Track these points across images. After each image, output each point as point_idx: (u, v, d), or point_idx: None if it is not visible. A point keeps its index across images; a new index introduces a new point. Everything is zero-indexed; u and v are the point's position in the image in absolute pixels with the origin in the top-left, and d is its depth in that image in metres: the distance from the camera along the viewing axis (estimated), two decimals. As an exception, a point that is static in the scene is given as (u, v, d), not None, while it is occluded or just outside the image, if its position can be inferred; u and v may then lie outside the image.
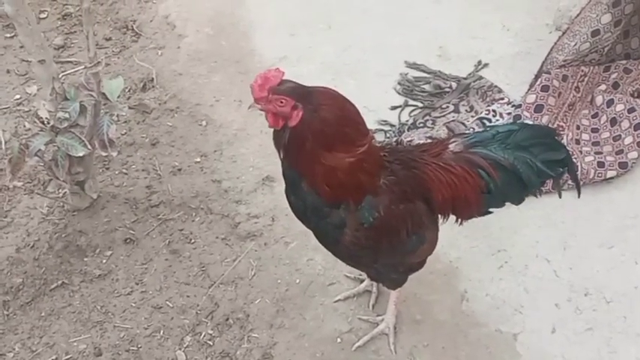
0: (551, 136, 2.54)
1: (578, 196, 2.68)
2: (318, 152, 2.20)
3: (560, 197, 2.65)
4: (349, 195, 2.28)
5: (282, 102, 2.18)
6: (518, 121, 2.60)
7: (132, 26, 3.93)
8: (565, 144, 2.59)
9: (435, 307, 2.96)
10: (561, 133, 3.37)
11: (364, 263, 2.63)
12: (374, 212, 2.29)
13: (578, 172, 3.21)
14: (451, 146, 2.48)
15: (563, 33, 3.62)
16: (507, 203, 2.57)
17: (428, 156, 2.46)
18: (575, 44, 3.51)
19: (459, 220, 2.58)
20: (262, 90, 2.19)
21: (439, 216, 2.53)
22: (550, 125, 3.37)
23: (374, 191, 2.29)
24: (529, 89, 3.49)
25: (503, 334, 2.87)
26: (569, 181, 3.20)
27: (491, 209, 2.57)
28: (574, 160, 2.97)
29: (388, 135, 3.44)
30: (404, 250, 2.49)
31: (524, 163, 2.45)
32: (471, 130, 2.60)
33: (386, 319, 2.89)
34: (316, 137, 2.18)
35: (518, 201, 2.57)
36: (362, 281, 3.01)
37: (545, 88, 3.43)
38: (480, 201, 2.48)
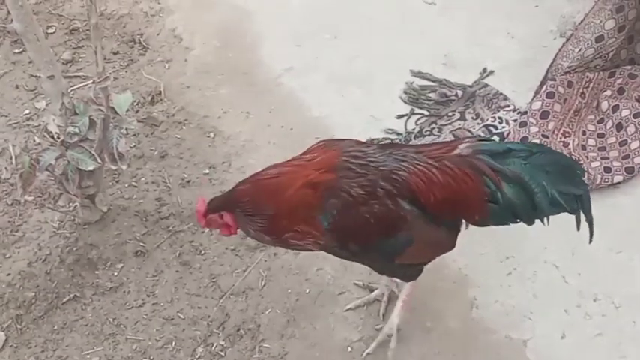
0: (574, 169, 2.52)
1: (589, 242, 2.56)
2: (265, 229, 2.45)
3: (590, 242, 2.57)
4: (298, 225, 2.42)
5: (217, 218, 2.49)
6: (539, 144, 2.54)
7: (139, 40, 3.96)
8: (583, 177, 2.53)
9: (445, 315, 2.97)
10: (566, 139, 3.39)
11: (358, 261, 2.70)
12: (328, 216, 2.38)
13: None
14: (459, 148, 2.48)
15: (568, 39, 3.63)
16: (519, 221, 2.53)
17: (423, 157, 2.46)
18: (580, 50, 3.52)
19: (466, 224, 2.58)
20: (201, 219, 2.51)
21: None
22: (555, 131, 3.39)
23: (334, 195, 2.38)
24: (534, 96, 3.50)
25: (513, 340, 2.89)
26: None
27: (500, 222, 2.54)
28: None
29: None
30: (385, 251, 2.49)
31: (540, 186, 2.43)
32: (488, 136, 2.59)
33: (389, 320, 2.86)
34: (254, 222, 2.44)
35: (528, 221, 2.53)
36: (372, 290, 3.02)
37: (550, 95, 3.45)
38: (484, 209, 2.48)
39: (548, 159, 2.48)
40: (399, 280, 2.91)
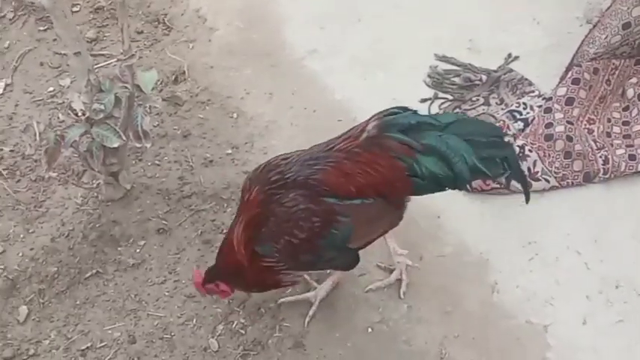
0: (495, 133, 2.63)
1: (526, 202, 2.70)
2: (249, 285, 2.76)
3: (526, 202, 2.70)
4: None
5: (215, 286, 2.74)
6: (459, 113, 2.64)
7: (163, 20, 3.95)
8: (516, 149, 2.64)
9: (465, 299, 2.98)
10: (591, 126, 3.37)
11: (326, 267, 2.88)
12: (267, 247, 2.60)
13: (609, 165, 3.21)
14: (367, 130, 2.58)
15: (594, 26, 3.61)
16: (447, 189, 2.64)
17: (333, 152, 2.59)
18: (606, 37, 3.49)
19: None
20: (201, 289, 2.77)
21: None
22: (580, 118, 3.37)
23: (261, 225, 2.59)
24: (560, 82, 3.48)
25: (533, 326, 2.89)
26: (600, 175, 3.22)
27: (427, 192, 2.63)
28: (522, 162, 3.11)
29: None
30: (336, 245, 2.60)
31: (458, 155, 2.52)
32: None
33: (318, 290, 2.94)
34: (240, 284, 2.75)
35: (455, 188, 2.64)
36: (392, 271, 3.03)
37: (576, 81, 3.43)
38: (407, 183, 2.57)
39: (466, 127, 2.58)
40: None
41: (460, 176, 2.54)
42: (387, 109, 2.65)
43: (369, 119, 2.63)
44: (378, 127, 2.57)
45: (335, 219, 2.55)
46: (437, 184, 2.58)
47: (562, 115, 3.36)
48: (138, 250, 3.15)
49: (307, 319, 2.93)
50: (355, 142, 2.58)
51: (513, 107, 3.45)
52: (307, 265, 2.72)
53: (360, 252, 3.04)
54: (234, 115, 3.58)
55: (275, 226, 2.57)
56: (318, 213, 2.55)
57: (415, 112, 2.66)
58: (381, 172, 2.54)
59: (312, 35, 3.85)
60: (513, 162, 2.60)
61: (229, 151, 3.45)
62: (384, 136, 2.55)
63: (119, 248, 3.16)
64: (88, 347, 2.93)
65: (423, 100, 3.56)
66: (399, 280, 3.00)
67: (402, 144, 2.53)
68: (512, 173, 2.61)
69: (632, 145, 3.30)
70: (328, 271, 2.97)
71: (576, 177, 3.23)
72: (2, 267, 3.13)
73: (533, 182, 3.21)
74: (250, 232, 2.60)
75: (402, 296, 2.97)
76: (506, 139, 2.66)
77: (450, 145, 2.52)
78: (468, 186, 2.62)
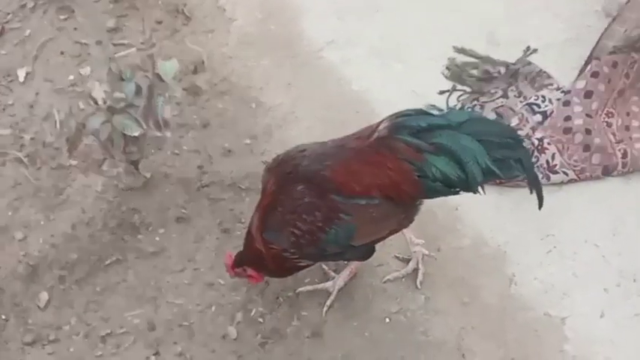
0: (510, 135, 2.56)
1: (539, 207, 2.61)
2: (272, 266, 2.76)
3: (539, 207, 2.63)
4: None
5: (243, 270, 2.81)
6: (471, 112, 2.58)
7: (182, 10, 3.96)
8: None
9: (482, 291, 2.99)
10: (610, 120, 3.37)
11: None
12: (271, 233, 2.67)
13: (627, 159, 3.21)
14: (378, 130, 2.57)
15: (613, 19, 3.60)
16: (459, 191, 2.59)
17: (343, 149, 2.60)
18: (626, 30, 3.49)
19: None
20: (230, 271, 2.85)
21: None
22: (599, 111, 3.37)
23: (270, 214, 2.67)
24: (579, 75, 3.47)
25: (551, 318, 2.90)
26: (619, 168, 3.22)
27: (438, 194, 2.60)
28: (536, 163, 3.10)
29: (436, 119, 3.45)
30: (339, 242, 2.63)
31: (470, 155, 2.48)
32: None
33: (336, 279, 2.97)
34: (266, 263, 2.76)
35: (467, 190, 2.57)
36: (409, 262, 3.04)
37: (595, 75, 3.42)
38: (417, 185, 2.53)
39: (479, 126, 2.53)
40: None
41: (472, 177, 2.49)
42: (400, 111, 2.63)
43: (382, 120, 2.62)
44: (389, 128, 2.55)
45: (337, 216, 2.57)
46: (448, 186, 2.54)
47: (581, 108, 3.36)
48: (157, 238, 3.18)
49: (325, 309, 2.95)
50: (366, 141, 2.59)
51: (532, 100, 3.45)
52: (314, 257, 2.76)
53: (379, 243, 3.07)
54: (253, 106, 3.59)
55: (280, 216, 2.62)
56: (321, 208, 2.58)
57: (428, 113, 2.63)
58: (388, 173, 2.53)
59: (330, 26, 3.86)
60: (528, 164, 2.56)
61: (248, 141, 3.46)
62: (394, 137, 2.53)
63: (139, 236, 3.19)
64: (107, 333, 2.96)
65: (441, 92, 3.57)
66: (416, 270, 3.01)
67: (410, 146, 2.51)
68: (526, 175, 2.56)
69: (651, 139, 3.30)
70: (345, 261, 2.99)
71: (595, 170, 3.23)
72: (23, 253, 3.16)
73: (551, 175, 3.22)
74: (262, 220, 2.67)
75: (418, 286, 2.99)
76: (521, 140, 2.60)
77: (462, 144, 2.48)
78: (480, 188, 2.54)
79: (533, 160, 3.21)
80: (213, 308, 2.99)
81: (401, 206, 2.64)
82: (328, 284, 2.98)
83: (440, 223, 3.15)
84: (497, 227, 3.12)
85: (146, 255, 3.14)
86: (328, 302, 2.96)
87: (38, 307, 3.04)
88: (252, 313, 2.98)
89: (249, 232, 2.76)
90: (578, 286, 2.97)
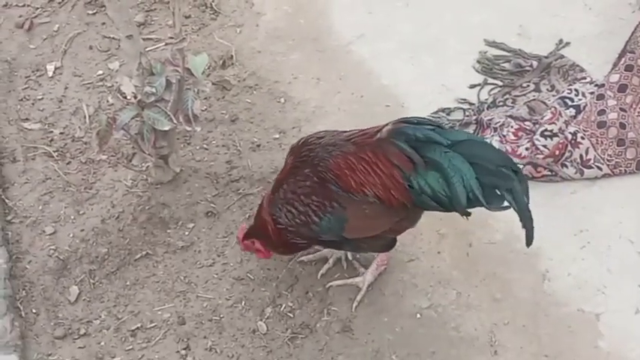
0: (505, 163, 2.49)
1: (527, 245, 2.53)
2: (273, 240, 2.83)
3: (527, 245, 2.55)
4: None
5: (252, 243, 2.89)
6: (471, 134, 2.57)
7: (211, 4, 3.95)
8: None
9: (515, 286, 2.96)
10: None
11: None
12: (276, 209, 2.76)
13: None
14: (382, 131, 2.60)
15: (648, 12, 3.56)
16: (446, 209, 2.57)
17: (349, 143, 2.65)
18: (660, 23, 3.45)
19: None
20: (241, 243, 2.94)
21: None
22: (633, 105, 3.32)
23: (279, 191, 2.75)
24: (612, 68, 3.43)
25: (585, 314, 2.86)
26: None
27: (426, 207, 2.60)
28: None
29: (467, 113, 3.41)
30: (332, 231, 2.67)
31: (458, 175, 2.46)
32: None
33: (365, 274, 2.96)
34: (270, 235, 2.82)
35: (453, 209, 2.55)
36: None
37: (629, 68, 3.37)
38: (406, 193, 2.55)
39: (475, 149, 2.50)
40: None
41: (456, 198, 2.48)
42: (405, 117, 2.66)
43: (389, 122, 2.65)
44: (389, 131, 2.59)
45: (331, 204, 2.64)
46: (436, 202, 2.54)
47: (615, 102, 3.31)
48: (187, 233, 3.17)
49: (355, 304, 2.94)
50: (368, 139, 2.63)
51: (565, 94, 3.40)
52: (310, 239, 2.80)
53: (410, 238, 3.06)
54: (282, 100, 3.58)
55: (284, 194, 2.73)
56: (317, 193, 2.65)
57: (430, 123, 2.61)
58: (379, 175, 2.58)
59: (359, 20, 3.84)
60: (519, 197, 2.47)
61: (277, 136, 3.45)
62: (390, 141, 2.57)
63: (168, 231, 3.19)
64: (138, 327, 2.96)
65: (472, 86, 3.54)
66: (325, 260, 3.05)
67: (403, 154, 2.53)
68: (516, 208, 2.48)
69: (685, 133, 3.25)
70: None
71: (629, 165, 3.19)
72: (53, 247, 3.17)
73: (585, 170, 3.17)
74: (273, 193, 2.78)
75: (318, 277, 3.01)
76: (517, 171, 2.52)
77: (453, 163, 2.47)
78: (465, 212, 2.54)
79: (567, 154, 3.17)
80: (242, 303, 2.98)
81: (394, 210, 2.63)
82: (358, 279, 2.98)
83: (471, 218, 3.04)
84: (530, 222, 3.08)
85: (175, 249, 3.13)
86: (358, 297, 2.94)
87: (68, 301, 3.04)
88: (282, 308, 2.96)
89: (261, 204, 2.86)
90: (612, 282, 2.92)
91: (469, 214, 2.57)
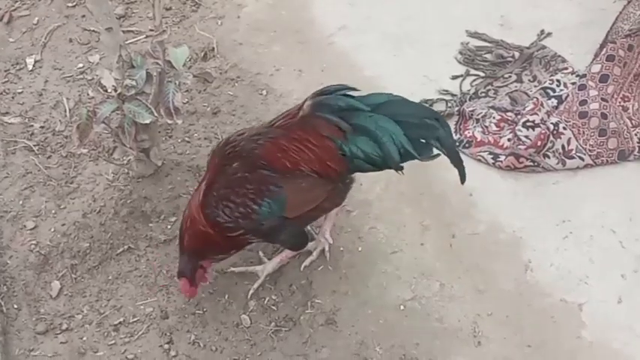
0: (428, 115, 2.64)
1: (461, 182, 2.67)
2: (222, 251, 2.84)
3: (462, 182, 2.68)
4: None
5: (202, 272, 2.85)
6: (390, 94, 2.68)
7: (191, -4, 3.95)
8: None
9: (498, 277, 2.96)
10: (626, 104, 3.32)
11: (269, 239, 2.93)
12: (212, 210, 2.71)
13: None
14: (303, 109, 2.68)
15: (628, 2, 3.58)
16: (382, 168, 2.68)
17: (273, 128, 2.71)
18: (641, 13, 3.46)
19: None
20: (193, 293, 2.88)
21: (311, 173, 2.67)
22: (614, 95, 3.33)
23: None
24: (594, 59, 3.44)
25: (568, 304, 2.87)
26: (635, 152, 3.19)
27: (362, 170, 2.70)
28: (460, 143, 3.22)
29: (450, 105, 3.41)
30: (273, 214, 2.67)
31: (387, 135, 2.57)
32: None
33: (266, 265, 2.98)
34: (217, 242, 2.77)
35: (388, 167, 2.66)
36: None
37: (610, 58, 3.38)
38: (341, 162, 2.64)
39: (398, 108, 2.63)
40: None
41: (389, 156, 2.59)
42: (322, 89, 2.72)
43: (306, 99, 2.71)
44: (311, 106, 2.66)
45: (267, 188, 2.66)
46: (371, 164, 2.65)
47: (596, 93, 3.32)
48: (169, 227, 3.15)
49: (251, 292, 2.96)
50: (292, 119, 2.69)
51: (547, 84, 3.41)
52: (254, 231, 2.75)
53: (393, 230, 3.06)
54: (264, 92, 3.56)
55: (216, 192, 2.71)
56: (251, 181, 2.66)
57: (347, 93, 2.69)
58: (313, 150, 2.64)
59: (341, 11, 3.83)
60: (447, 142, 2.61)
61: (259, 128, 3.43)
62: (316, 115, 2.63)
63: (150, 224, 3.16)
64: (120, 322, 2.94)
65: (455, 77, 3.54)
66: (309, 253, 3.01)
67: (331, 124, 2.61)
68: (446, 153, 2.62)
69: (667, 123, 3.26)
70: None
71: (611, 155, 3.20)
72: (35, 242, 3.14)
73: (567, 160, 3.18)
74: (204, 199, 2.74)
75: (301, 269, 2.99)
76: (439, 119, 2.66)
77: (380, 125, 2.58)
78: (400, 168, 2.65)
79: (549, 145, 3.18)
80: (225, 296, 2.97)
81: (328, 180, 2.72)
82: (258, 268, 3.00)
83: (454, 209, 3.12)
84: (513, 213, 3.09)
85: (158, 243, 3.12)
86: (255, 286, 2.96)
87: (50, 296, 3.02)
88: (266, 301, 2.95)
89: (186, 224, 2.78)
90: (595, 272, 2.93)
91: (402, 168, 2.66)
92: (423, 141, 2.62)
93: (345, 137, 2.61)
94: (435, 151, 2.63)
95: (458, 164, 2.65)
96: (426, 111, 2.71)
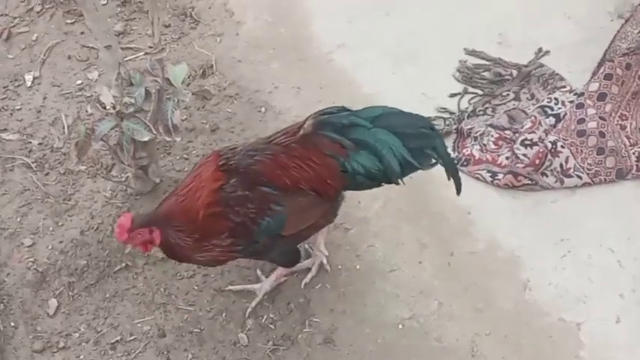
0: (423, 124, 2.67)
1: (457, 192, 2.69)
2: (185, 253, 2.66)
3: (457, 193, 2.70)
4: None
5: (140, 234, 2.59)
6: (385, 107, 2.72)
7: (190, 13, 3.94)
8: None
9: (497, 296, 2.96)
10: (624, 122, 3.33)
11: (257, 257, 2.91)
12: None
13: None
14: (304, 127, 2.65)
15: (626, 21, 3.58)
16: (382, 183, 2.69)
17: (272, 145, 2.68)
18: (639, 32, 3.45)
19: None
20: (122, 234, 2.58)
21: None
22: (612, 114, 3.33)
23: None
24: (592, 77, 3.44)
25: (566, 323, 2.87)
26: (633, 171, 3.19)
27: (362, 187, 2.72)
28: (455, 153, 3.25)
29: (448, 122, 3.41)
30: (271, 232, 2.65)
31: (386, 147, 2.59)
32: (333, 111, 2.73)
33: (263, 283, 2.97)
34: (182, 238, 2.62)
35: (389, 181, 2.67)
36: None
37: (608, 77, 3.39)
38: (341, 179, 2.65)
39: (393, 120, 2.64)
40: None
41: (390, 168, 2.61)
42: (323, 109, 2.72)
43: (307, 118, 2.71)
44: (313, 125, 2.65)
45: (269, 207, 2.63)
46: (371, 179, 2.66)
47: (594, 111, 3.32)
48: (167, 244, 3.15)
49: (249, 310, 2.95)
50: (292, 137, 2.68)
51: (545, 102, 3.41)
52: (244, 251, 2.72)
53: (392, 248, 3.06)
54: (262, 110, 3.57)
55: (215, 208, 2.62)
56: (252, 199, 2.62)
57: (350, 112, 2.70)
58: (314, 168, 2.63)
59: (340, 29, 3.83)
60: (442, 151, 2.64)
61: (257, 146, 3.43)
62: (318, 134, 2.63)
63: (148, 242, 3.16)
64: (117, 340, 2.94)
65: (453, 95, 3.54)
66: (308, 270, 3.02)
67: (335, 143, 2.61)
68: (442, 162, 2.65)
69: (665, 142, 3.27)
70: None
71: (609, 174, 3.20)
72: (32, 260, 3.14)
73: (565, 179, 3.18)
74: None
75: (302, 286, 2.99)
76: (434, 128, 2.73)
77: (379, 138, 2.60)
78: (400, 180, 2.66)
79: (547, 163, 3.19)
80: (223, 314, 2.97)
81: (325, 198, 2.72)
82: (256, 286, 2.99)
83: (453, 228, 3.12)
84: (511, 231, 3.09)
85: (155, 261, 3.11)
86: (253, 304, 2.96)
87: (47, 314, 3.02)
88: (264, 319, 2.95)
89: (183, 197, 2.63)
90: (593, 291, 2.93)
91: (401, 181, 2.68)
92: (424, 151, 2.63)
93: (347, 154, 2.61)
94: (433, 160, 2.66)
95: (454, 173, 2.67)
96: (421, 120, 2.72)
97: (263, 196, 2.63)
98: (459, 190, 2.69)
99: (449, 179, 2.67)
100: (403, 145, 2.59)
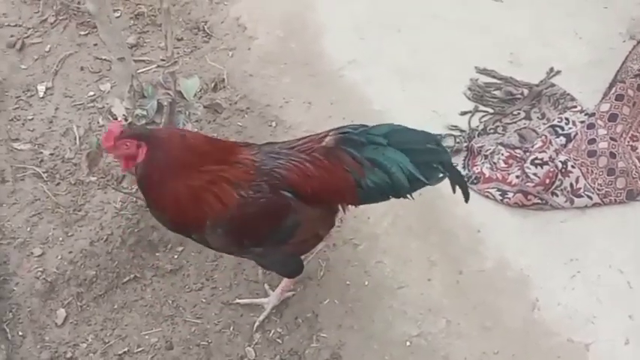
0: (430, 140, 2.69)
1: (466, 201, 2.70)
2: (164, 181, 2.50)
3: (466, 201, 2.70)
4: (190, 225, 2.59)
5: (127, 145, 2.48)
6: (395, 124, 2.73)
7: (203, 27, 3.96)
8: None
9: (505, 315, 2.95)
10: (635, 143, 3.33)
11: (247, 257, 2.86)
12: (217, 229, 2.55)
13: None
14: (325, 141, 2.66)
15: (638, 42, 3.60)
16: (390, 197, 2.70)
17: (295, 152, 2.66)
18: (651, 54, 3.47)
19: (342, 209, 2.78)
20: (109, 140, 2.48)
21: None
22: (623, 135, 3.34)
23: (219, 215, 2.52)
24: (603, 98, 3.45)
25: (575, 344, 2.85)
26: None
27: (371, 202, 2.74)
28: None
29: (458, 140, 3.42)
30: (278, 239, 2.66)
31: (395, 164, 2.61)
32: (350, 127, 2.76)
33: (271, 297, 2.98)
34: (161, 166, 2.48)
35: (398, 196, 2.69)
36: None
37: (619, 97, 3.39)
38: (355, 194, 2.66)
39: (401, 137, 2.65)
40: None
41: (398, 184, 2.62)
42: (342, 127, 2.74)
43: (327, 132, 2.71)
44: (336, 140, 2.66)
45: (287, 214, 2.63)
46: (381, 194, 2.68)
47: (605, 132, 3.32)
48: (176, 256, 3.15)
49: (257, 324, 2.95)
50: (315, 146, 2.68)
51: (555, 122, 3.42)
52: (237, 250, 2.74)
53: (400, 265, 3.05)
54: (273, 124, 3.58)
55: (239, 206, 2.56)
56: (276, 205, 2.60)
57: (365, 129, 2.70)
58: (335, 181, 2.64)
59: (351, 45, 3.84)
60: (449, 165, 2.67)
61: (268, 160, 3.44)
62: (341, 149, 2.64)
63: (157, 254, 3.16)
64: (125, 352, 2.94)
65: (463, 113, 3.55)
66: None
67: (355, 160, 2.63)
68: (450, 176, 2.67)
69: (676, 163, 3.26)
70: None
71: (619, 194, 3.19)
72: (41, 270, 3.14)
73: (575, 199, 3.18)
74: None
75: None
76: (440, 143, 2.77)
77: (387, 155, 2.62)
78: (409, 195, 2.68)
79: (557, 183, 3.18)
80: (231, 328, 2.96)
81: (334, 210, 2.77)
82: (264, 300, 3.00)
83: (462, 246, 3.11)
84: (521, 250, 3.08)
85: (164, 273, 3.11)
86: (261, 318, 2.96)
87: (55, 324, 3.02)
88: (271, 334, 2.94)
89: (185, 147, 2.51)
90: (602, 312, 2.92)
91: (410, 196, 2.69)
92: (431, 165, 2.65)
93: (363, 173, 2.62)
94: (440, 175, 2.66)
95: (462, 184, 2.69)
96: (427, 137, 2.74)
97: (286, 203, 2.61)
98: (466, 198, 2.70)
99: (454, 191, 2.68)
100: (411, 161, 2.61)
